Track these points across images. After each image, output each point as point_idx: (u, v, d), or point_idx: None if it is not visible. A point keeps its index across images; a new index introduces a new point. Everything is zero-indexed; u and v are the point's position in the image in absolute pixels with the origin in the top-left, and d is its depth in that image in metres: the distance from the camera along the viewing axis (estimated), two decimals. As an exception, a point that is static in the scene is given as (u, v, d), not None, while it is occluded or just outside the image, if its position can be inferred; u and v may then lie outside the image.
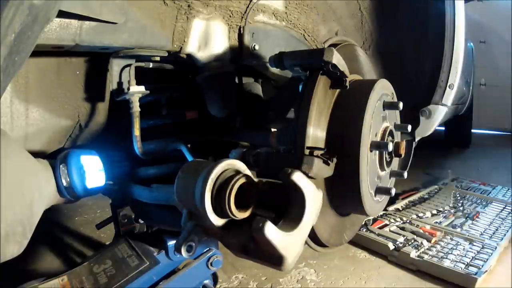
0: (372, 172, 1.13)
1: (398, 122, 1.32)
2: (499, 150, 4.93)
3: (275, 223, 0.74)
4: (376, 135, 1.14)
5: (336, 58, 1.01)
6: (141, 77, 1.08)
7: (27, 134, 1.01)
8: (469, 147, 5.03)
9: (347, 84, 1.11)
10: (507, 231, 2.15)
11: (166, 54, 1.05)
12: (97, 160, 1.02)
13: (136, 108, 1.06)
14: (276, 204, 0.81)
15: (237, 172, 0.80)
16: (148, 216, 1.25)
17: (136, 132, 1.07)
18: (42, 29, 0.59)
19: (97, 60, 1.06)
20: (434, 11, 1.65)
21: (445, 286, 1.72)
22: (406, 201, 2.64)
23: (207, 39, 1.09)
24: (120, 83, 1.07)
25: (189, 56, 1.09)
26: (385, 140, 1.17)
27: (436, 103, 1.69)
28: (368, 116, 1.08)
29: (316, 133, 1.06)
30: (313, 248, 1.24)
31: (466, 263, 1.79)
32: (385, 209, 2.37)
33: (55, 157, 0.96)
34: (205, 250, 1.26)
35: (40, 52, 0.90)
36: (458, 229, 2.18)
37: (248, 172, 0.82)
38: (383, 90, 1.18)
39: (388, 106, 1.19)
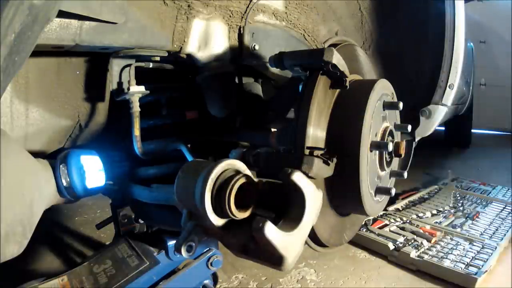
0: (372, 172, 1.13)
1: (398, 122, 1.32)
2: (499, 150, 4.93)
3: (275, 223, 0.74)
4: (376, 135, 1.14)
5: (336, 58, 1.01)
6: (141, 77, 1.08)
7: (27, 134, 1.01)
8: (469, 147, 5.04)
9: (347, 84, 1.11)
10: (507, 231, 2.15)
11: (166, 54, 1.05)
12: (97, 160, 1.02)
13: (136, 108, 1.06)
14: (276, 204, 0.81)
15: (237, 172, 0.80)
16: (148, 216, 1.25)
17: (136, 132, 1.07)
18: (42, 29, 0.59)
19: (97, 60, 1.06)
20: (434, 11, 1.64)
21: (445, 286, 1.72)
22: (406, 201, 2.64)
23: (207, 39, 1.09)
24: (120, 83, 1.07)
25: (189, 56, 1.09)
26: (385, 140, 1.17)
27: (436, 103, 1.69)
28: (368, 116, 1.08)
29: (316, 133, 1.06)
30: (313, 248, 1.24)
31: (466, 263, 1.79)
32: (385, 209, 2.37)
33: (55, 157, 0.96)
34: (205, 250, 1.26)
35: (40, 52, 0.90)
36: (458, 229, 2.18)
37: (248, 172, 0.82)
38: (383, 90, 1.18)
39: (388, 106, 1.19)
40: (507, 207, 2.55)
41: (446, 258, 1.83)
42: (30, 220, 0.77)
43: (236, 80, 1.31)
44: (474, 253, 1.89)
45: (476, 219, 2.35)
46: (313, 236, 1.17)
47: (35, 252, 1.93)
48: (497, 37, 5.59)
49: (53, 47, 0.85)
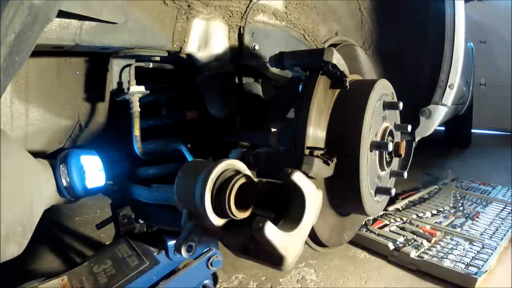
0: (372, 172, 1.13)
1: (398, 122, 1.32)
2: (499, 150, 4.93)
3: (275, 223, 0.74)
4: (376, 135, 1.14)
5: (336, 58, 1.01)
6: (141, 77, 1.08)
7: (27, 134, 1.01)
8: (469, 147, 5.04)
9: (347, 84, 1.11)
10: (507, 231, 2.15)
11: (166, 54, 1.05)
12: (97, 160, 1.02)
13: (136, 108, 1.06)
14: (276, 204, 0.81)
15: (237, 172, 0.80)
16: (148, 216, 1.25)
17: (136, 132, 1.07)
18: (42, 29, 0.59)
19: (97, 60, 1.06)
20: (434, 11, 1.65)
21: (445, 286, 1.72)
22: (406, 201, 2.64)
23: (207, 39, 1.09)
24: (120, 83, 1.07)
25: (189, 56, 1.09)
26: (385, 140, 1.17)
27: (436, 103, 1.69)
28: (368, 116, 1.08)
29: (316, 133, 1.06)
30: (313, 248, 1.24)
31: (466, 263, 1.79)
32: (385, 209, 2.37)
33: (55, 157, 0.96)
34: (205, 250, 1.26)
35: (40, 52, 0.90)
36: (458, 229, 2.18)
37: (248, 172, 0.82)
38: (383, 90, 1.18)
39: (388, 106, 1.19)
40: (507, 207, 2.55)
41: (446, 258, 1.83)
42: (30, 220, 0.77)
43: (236, 80, 1.31)
44: (474, 253, 1.89)
45: (476, 219, 2.35)
46: (313, 236, 1.17)
47: (35, 252, 1.93)
48: (497, 37, 5.59)
49: (53, 47, 0.85)
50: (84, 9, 0.78)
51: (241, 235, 0.78)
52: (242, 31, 1.15)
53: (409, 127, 1.27)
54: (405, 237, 2.04)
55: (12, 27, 0.52)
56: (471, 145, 5.08)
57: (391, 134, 1.21)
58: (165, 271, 1.19)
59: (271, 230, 0.70)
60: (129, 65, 1.06)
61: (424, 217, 2.36)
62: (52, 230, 2.23)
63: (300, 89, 1.12)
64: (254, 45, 1.17)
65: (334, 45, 1.32)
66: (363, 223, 2.17)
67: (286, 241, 0.73)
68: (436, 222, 2.26)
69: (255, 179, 0.82)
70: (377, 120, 1.15)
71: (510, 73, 5.51)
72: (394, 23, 1.71)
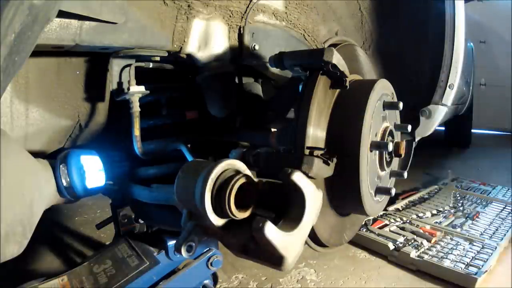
0: (372, 172, 1.13)
1: (398, 122, 1.32)
2: (499, 150, 4.93)
3: (275, 223, 0.74)
4: (376, 135, 1.14)
5: (336, 58, 1.01)
6: (141, 77, 1.08)
7: (27, 134, 1.01)
8: (469, 147, 5.04)
9: (347, 84, 1.11)
10: (507, 231, 2.15)
11: (166, 54, 1.05)
12: (97, 160, 1.02)
13: (136, 108, 1.06)
14: (276, 204, 0.81)
15: (237, 172, 0.80)
16: (148, 216, 1.25)
17: (136, 132, 1.07)
18: (42, 29, 0.59)
19: (97, 60, 1.06)
20: (434, 11, 1.65)
21: (445, 286, 1.72)
22: (406, 201, 2.64)
23: (207, 39, 1.09)
24: (120, 83, 1.07)
25: (189, 56, 1.09)
26: (385, 140, 1.17)
27: (436, 103, 1.69)
28: (368, 116, 1.08)
29: (316, 133, 1.06)
30: (313, 248, 1.24)
31: (466, 263, 1.79)
32: (385, 209, 2.37)
33: (55, 157, 0.96)
34: (205, 250, 1.26)
35: (40, 52, 0.90)
36: (458, 229, 2.18)
37: (248, 172, 0.82)
38: (383, 90, 1.18)
39: (388, 106, 1.19)
40: (507, 207, 2.55)
41: (446, 258, 1.83)
42: (30, 220, 0.77)
43: (236, 80, 1.31)
44: (474, 253, 1.89)
45: (476, 219, 2.35)
46: (313, 236, 1.16)
47: (35, 252, 1.93)
48: (497, 37, 5.59)
49: (53, 47, 0.85)
50: (84, 9, 0.78)
51: (241, 235, 0.78)
52: (242, 31, 1.15)
53: (409, 127, 1.27)
54: (405, 237, 2.04)
55: (12, 27, 0.52)
56: (471, 145, 5.08)
57: (391, 134, 1.21)
58: (165, 271, 1.19)
59: (271, 230, 0.70)
60: (129, 65, 1.06)
61: (424, 217, 2.36)
62: (52, 230, 2.23)
63: (300, 89, 1.12)
64: (254, 45, 1.17)
65: (334, 45, 1.32)
66: (363, 223, 2.17)
67: (286, 241, 0.73)
68: (436, 222, 2.26)
69: (255, 179, 0.82)
70: (377, 120, 1.15)
71: (510, 73, 5.51)
72: (394, 23, 1.71)
